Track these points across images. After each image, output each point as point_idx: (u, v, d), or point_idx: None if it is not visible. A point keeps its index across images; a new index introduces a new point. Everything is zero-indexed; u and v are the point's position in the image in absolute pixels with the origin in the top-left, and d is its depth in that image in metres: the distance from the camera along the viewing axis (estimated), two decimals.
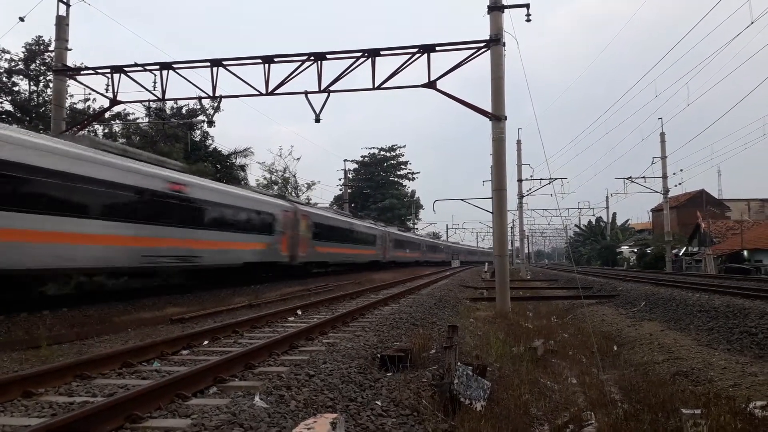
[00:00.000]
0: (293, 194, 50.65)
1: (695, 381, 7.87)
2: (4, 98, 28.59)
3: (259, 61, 16.35)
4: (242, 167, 40.11)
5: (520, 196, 45.60)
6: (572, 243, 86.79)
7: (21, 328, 9.60)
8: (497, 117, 14.74)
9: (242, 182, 35.63)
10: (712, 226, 50.12)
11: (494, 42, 14.75)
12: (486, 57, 14.98)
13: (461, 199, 43.63)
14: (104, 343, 8.61)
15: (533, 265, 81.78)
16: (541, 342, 9.74)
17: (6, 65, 28.52)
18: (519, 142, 44.41)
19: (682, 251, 48.80)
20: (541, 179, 43.98)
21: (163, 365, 6.84)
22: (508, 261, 17.27)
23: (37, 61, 29.25)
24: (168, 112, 34.48)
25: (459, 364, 5.88)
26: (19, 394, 5.22)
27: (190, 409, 4.89)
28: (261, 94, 16.51)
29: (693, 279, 25.99)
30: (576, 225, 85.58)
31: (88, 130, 29.18)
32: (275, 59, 16.29)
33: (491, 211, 17.21)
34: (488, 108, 14.88)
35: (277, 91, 16.45)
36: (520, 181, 44.79)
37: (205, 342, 8.42)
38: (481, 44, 14.99)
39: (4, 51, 27.99)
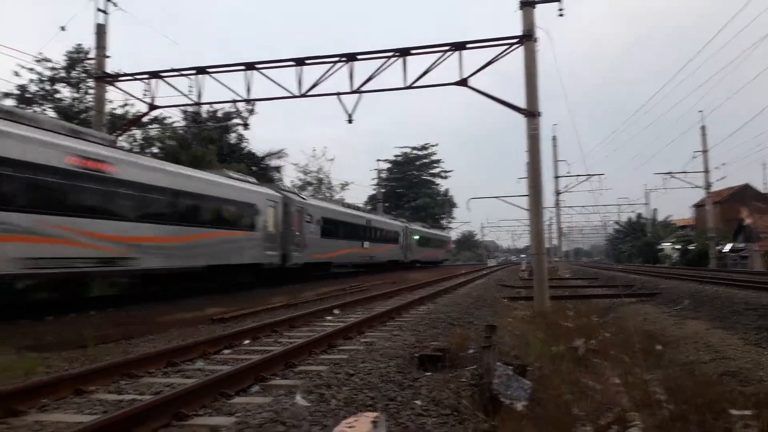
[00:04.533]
0: (327, 195, 50.93)
1: (744, 381, 7.60)
2: (48, 106, 29.60)
3: (292, 63, 16.53)
4: (277, 168, 40.72)
5: (557, 193, 44.93)
6: (612, 240, 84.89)
7: (71, 328, 9.94)
8: (531, 113, 14.54)
9: (273, 180, 35.44)
10: (758, 221, 48.31)
11: (527, 38, 14.55)
12: (518, 52, 14.80)
13: (496, 197, 43.17)
14: (148, 342, 8.84)
15: (572, 263, 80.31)
16: (582, 341, 9.56)
17: (49, 73, 29.50)
18: (555, 138, 43.83)
19: (728, 247, 47.19)
20: (578, 175, 43.27)
21: (206, 364, 7.00)
22: (546, 259, 17.01)
23: (78, 69, 30.18)
24: (204, 115, 35.20)
25: (498, 363, 5.83)
26: (71, 392, 5.42)
27: (233, 408, 4.99)
28: (294, 96, 16.69)
29: (739, 276, 25.12)
30: (615, 222, 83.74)
31: (128, 135, 30.01)
32: (307, 61, 16.45)
33: (527, 208, 16.98)
34: (522, 104, 14.70)
35: (309, 93, 16.61)
36: (556, 177, 44.14)
37: (246, 341, 8.57)
38: (513, 40, 14.81)
39: (46, 60, 28.97)
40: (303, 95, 16.61)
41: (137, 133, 31.93)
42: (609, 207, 63.24)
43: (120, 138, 22.21)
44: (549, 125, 55.51)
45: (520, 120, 14.76)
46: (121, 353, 7.64)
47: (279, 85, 16.74)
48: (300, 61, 16.44)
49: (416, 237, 43.65)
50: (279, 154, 40.69)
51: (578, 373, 7.79)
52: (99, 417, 4.43)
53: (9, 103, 27.52)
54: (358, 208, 34.84)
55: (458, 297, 15.95)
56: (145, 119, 28.02)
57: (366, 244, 30.84)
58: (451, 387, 5.80)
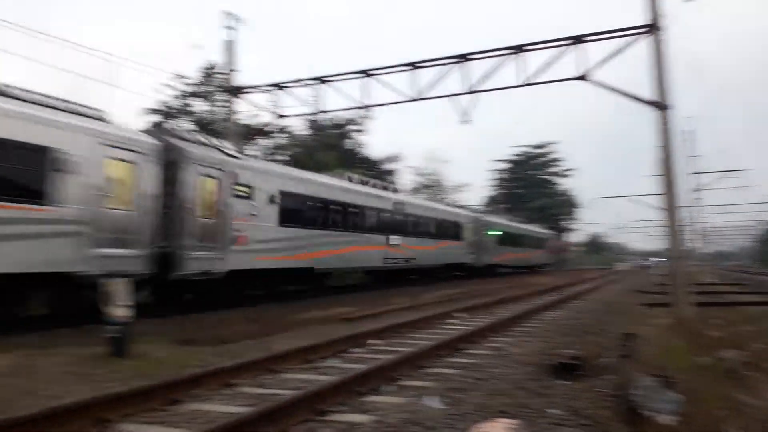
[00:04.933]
0: (442, 197, 50.57)
1: None
2: (187, 119, 32.52)
3: (406, 68, 16.67)
4: (391, 172, 41.50)
5: (694, 191, 41.25)
6: (764, 242, 76.16)
7: (214, 324, 10.79)
8: (662, 106, 13.49)
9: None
10: None
11: (654, 27, 13.51)
12: (643, 41, 13.79)
13: (625, 196, 40.36)
14: (284, 340, 9.32)
15: (714, 266, 73.24)
16: (733, 352, 8.69)
17: (186, 88, 32.36)
18: (688, 132, 40.33)
19: None
20: (717, 171, 39.40)
21: (339, 362, 7.28)
22: (685, 263, 15.69)
23: (210, 83, 32.84)
24: (326, 122, 36.77)
25: (641, 374, 5.48)
26: (221, 384, 5.90)
27: (367, 406, 5.14)
28: (411, 100, 16.82)
29: None
30: (765, 221, 74.98)
31: (252, 144, 32.13)
32: (420, 65, 16.52)
33: (661, 208, 15.77)
34: (649, 95, 13.66)
35: (424, 96, 16.66)
36: (692, 174, 40.54)
37: (374, 341, 8.78)
38: (639, 31, 13.80)
39: (182, 76, 31.89)
40: (418, 99, 16.73)
41: (261, 141, 34.08)
42: (760, 204, 56.40)
43: (246, 147, 23.81)
44: (681, 118, 51.12)
45: (650, 113, 13.76)
46: (259, 350, 8.14)
47: (394, 89, 17.00)
48: (414, 65, 16.59)
49: (496, 233, 34.51)
50: (394, 158, 41.49)
51: (729, 387, 7.10)
52: (250, 409, 4.78)
53: (155, 117, 30.73)
54: (384, 187, 23.72)
55: (588, 303, 15.23)
56: (272, 128, 29.86)
57: (394, 239, 21.55)
58: (587, 396, 5.55)
